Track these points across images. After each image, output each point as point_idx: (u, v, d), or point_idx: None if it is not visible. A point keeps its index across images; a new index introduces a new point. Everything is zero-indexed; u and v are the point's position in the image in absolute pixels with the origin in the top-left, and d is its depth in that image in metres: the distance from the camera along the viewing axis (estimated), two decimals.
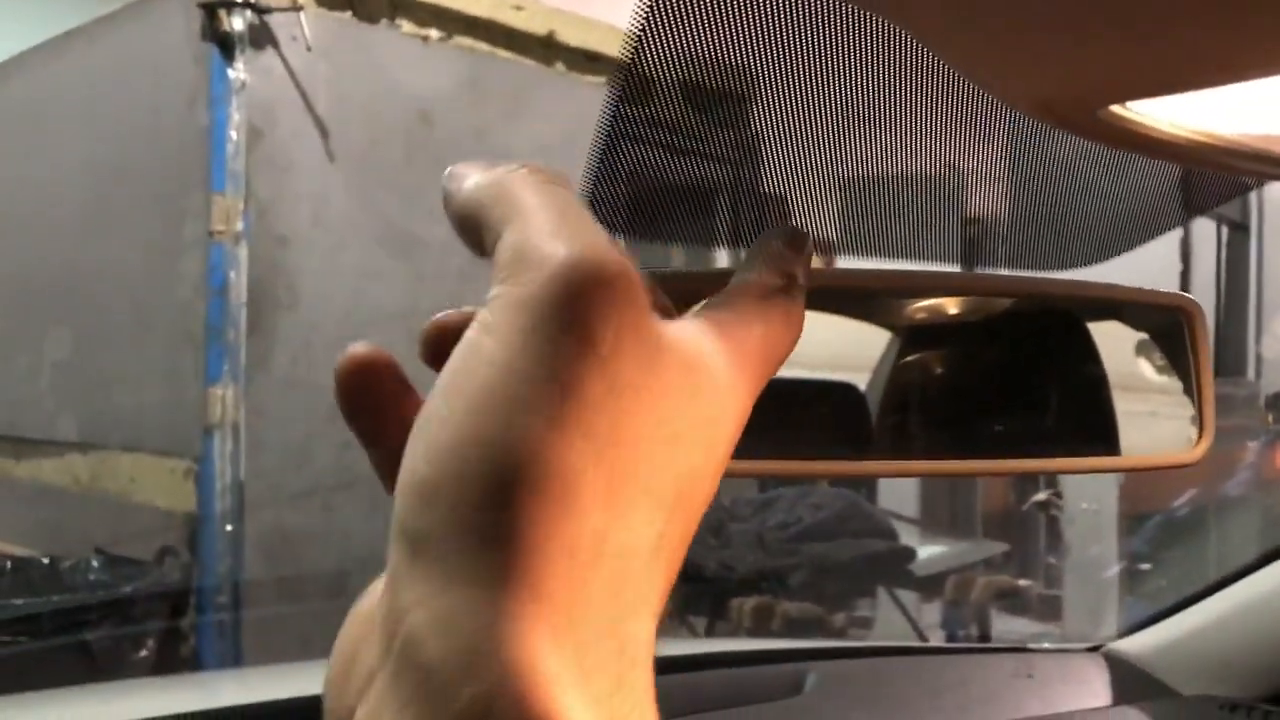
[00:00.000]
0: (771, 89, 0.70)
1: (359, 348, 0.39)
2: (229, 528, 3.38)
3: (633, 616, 0.30)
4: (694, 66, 0.65)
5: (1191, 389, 0.70)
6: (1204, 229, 4.47)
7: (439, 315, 0.40)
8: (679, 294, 0.72)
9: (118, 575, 3.27)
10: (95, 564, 3.29)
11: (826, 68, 0.63)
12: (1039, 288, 0.72)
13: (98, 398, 3.83)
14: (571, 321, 0.30)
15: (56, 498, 3.87)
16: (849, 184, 0.90)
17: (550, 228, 0.33)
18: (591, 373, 0.30)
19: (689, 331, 0.35)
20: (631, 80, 0.68)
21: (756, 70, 0.67)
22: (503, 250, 0.33)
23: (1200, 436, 0.69)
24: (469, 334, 0.32)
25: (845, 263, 0.91)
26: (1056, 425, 0.73)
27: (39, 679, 2.33)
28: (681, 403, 0.31)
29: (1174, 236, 4.07)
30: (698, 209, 0.90)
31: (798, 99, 0.70)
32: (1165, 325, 0.73)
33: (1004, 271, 0.92)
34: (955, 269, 0.88)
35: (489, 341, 0.31)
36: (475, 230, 0.36)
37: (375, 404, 0.40)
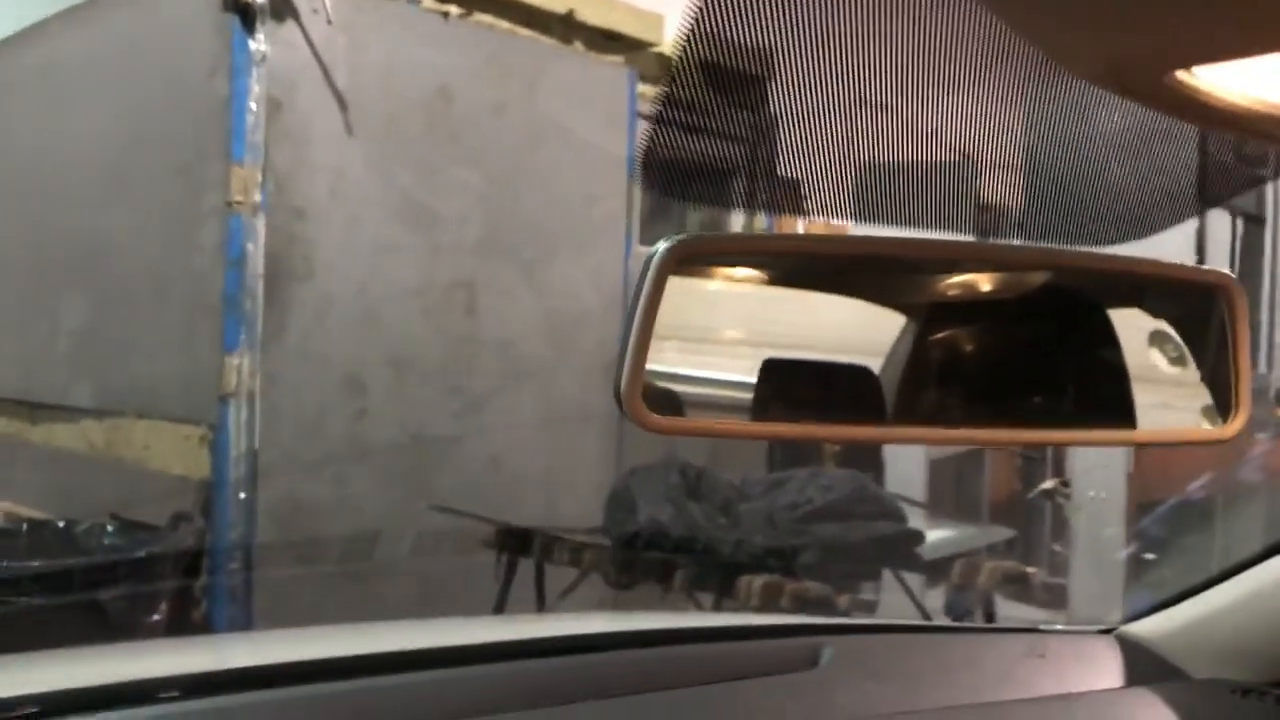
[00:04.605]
0: (802, 55, 0.70)
1: None
2: (242, 495, 3.40)
3: None
4: (740, 51, 0.66)
5: (1226, 366, 0.71)
6: (1219, 221, 4.47)
7: None
8: (710, 257, 0.73)
9: (132, 540, 3.30)
10: (110, 528, 3.31)
11: (868, 35, 0.63)
12: (1073, 260, 0.72)
13: (114, 365, 3.85)
14: None
15: (72, 463, 3.90)
16: (879, 152, 0.90)
17: None
18: None
19: None
20: (678, 68, 0.69)
21: (793, 36, 0.68)
22: None
23: (1235, 413, 0.70)
24: None
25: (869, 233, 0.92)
26: (1085, 399, 0.74)
27: (53, 639, 2.35)
28: None
29: (1189, 228, 4.06)
30: (728, 176, 0.92)
31: (831, 67, 0.71)
32: (1195, 303, 0.74)
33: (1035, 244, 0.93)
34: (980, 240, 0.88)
35: None
36: None
37: None
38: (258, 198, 3.45)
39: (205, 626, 3.26)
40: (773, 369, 0.72)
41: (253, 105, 3.42)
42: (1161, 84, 0.38)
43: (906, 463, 4.94)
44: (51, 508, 3.68)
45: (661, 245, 0.64)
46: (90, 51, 4.04)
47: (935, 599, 4.00)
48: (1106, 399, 0.72)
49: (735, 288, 0.76)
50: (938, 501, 4.92)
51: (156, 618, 3.15)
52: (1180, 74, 0.38)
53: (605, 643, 1.48)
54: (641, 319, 0.62)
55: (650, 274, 0.63)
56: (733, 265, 0.69)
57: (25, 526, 3.40)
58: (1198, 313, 0.73)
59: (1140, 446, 3.00)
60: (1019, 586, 3.88)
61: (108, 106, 3.94)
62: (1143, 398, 0.73)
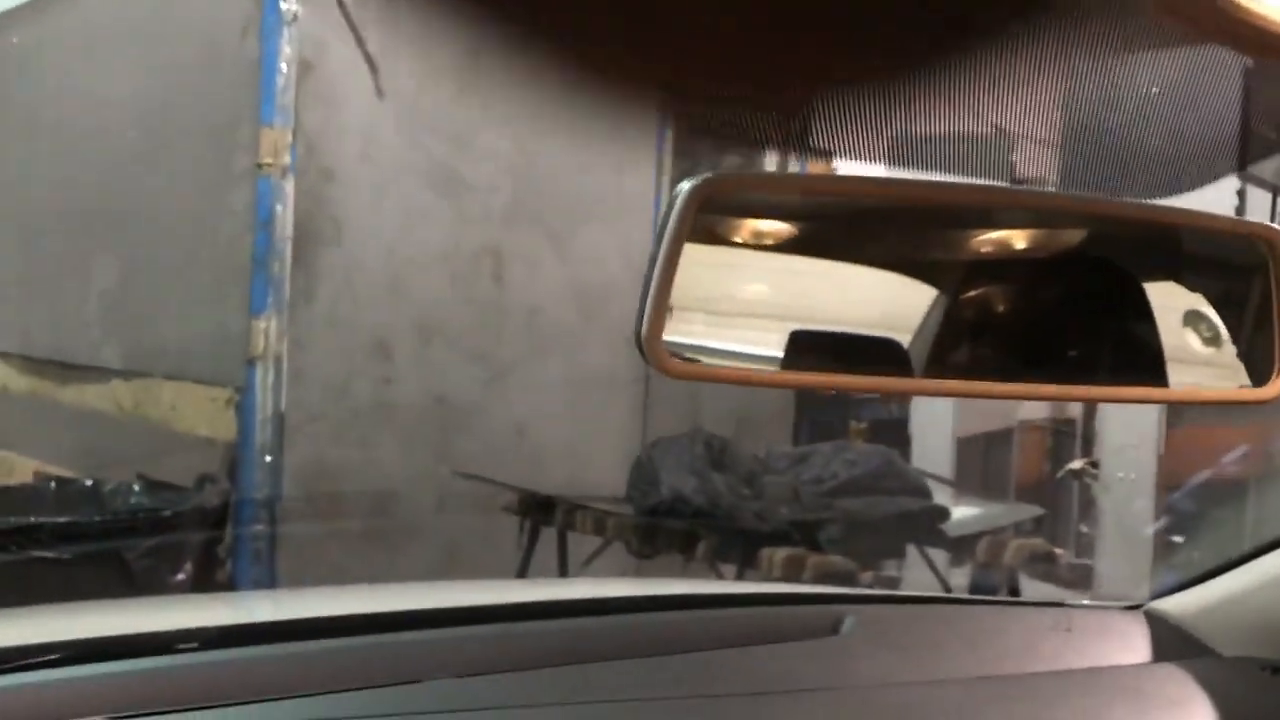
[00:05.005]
0: None
1: None
2: (268, 458, 3.41)
3: None
4: None
5: (1268, 324, 0.68)
6: (1258, 199, 4.40)
7: None
8: (735, 197, 0.71)
9: (158, 500, 3.32)
10: (136, 488, 3.34)
11: None
12: (1110, 209, 0.70)
13: (143, 326, 3.87)
14: None
15: (100, 423, 3.92)
16: (915, 124, 0.88)
17: None
18: None
19: None
20: None
21: None
22: None
23: (1276, 373, 0.67)
24: None
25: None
26: (1119, 355, 0.72)
27: (79, 596, 2.38)
28: None
29: (1228, 204, 4.00)
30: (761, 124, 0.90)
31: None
32: (1233, 270, 0.72)
33: (1081, 193, 0.91)
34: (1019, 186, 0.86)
35: None
36: None
37: None
38: (287, 160, 3.45)
39: (229, 586, 3.29)
40: (800, 337, 0.71)
41: (283, 66, 3.42)
42: (1215, 7, 0.36)
43: (933, 440, 4.91)
44: (80, 467, 3.71)
45: (686, 184, 0.62)
46: (121, 12, 4.04)
47: (960, 577, 3.98)
48: (1141, 356, 0.70)
49: (762, 258, 0.74)
50: (964, 479, 4.89)
51: (181, 577, 3.17)
52: None
53: (626, 605, 1.48)
54: (664, 262, 0.61)
55: (674, 214, 0.61)
56: (760, 208, 0.68)
57: (53, 485, 3.43)
58: (1237, 279, 0.71)
59: (1176, 404, 2.97)
60: (1045, 565, 3.86)
61: (138, 67, 3.94)
62: (1175, 378, 0.71)
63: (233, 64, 3.52)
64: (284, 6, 3.39)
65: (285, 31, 3.40)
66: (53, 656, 1.08)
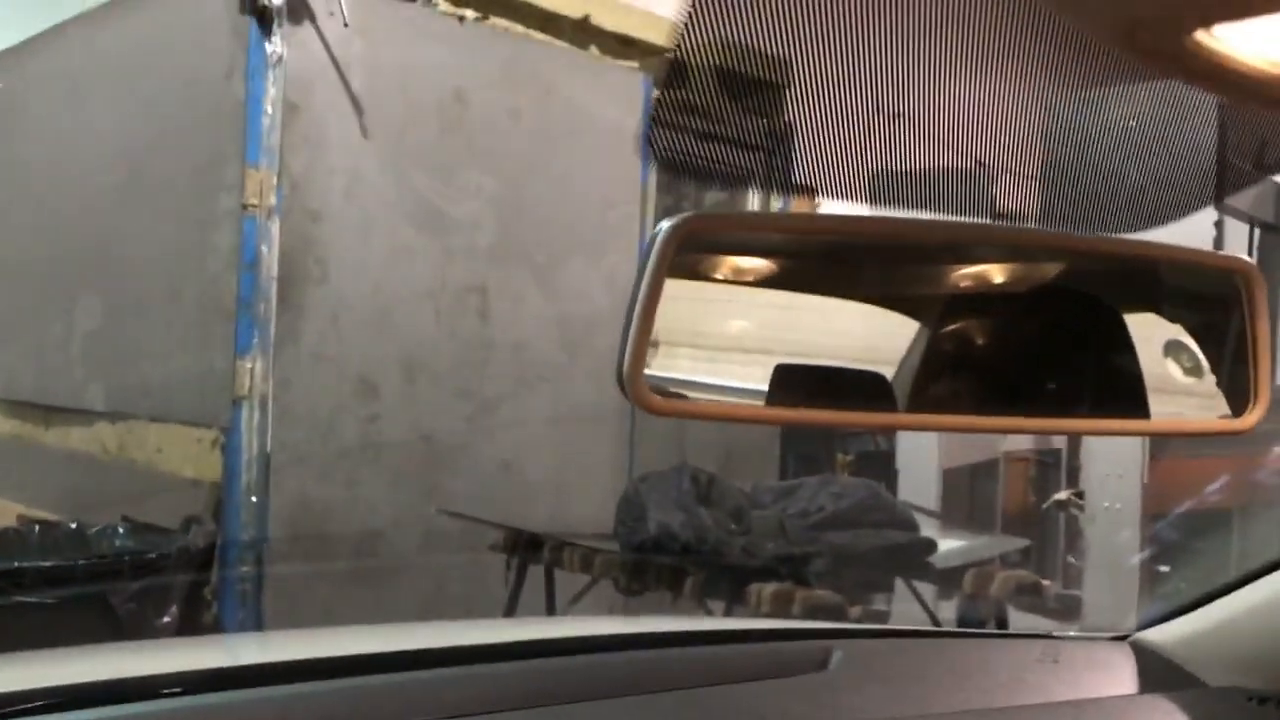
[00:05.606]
0: (806, 56, 0.69)
1: None
2: (254, 498, 3.40)
3: None
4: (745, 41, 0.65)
5: (1244, 357, 0.69)
6: (1236, 231, 4.44)
7: None
8: (714, 237, 0.72)
9: (143, 542, 3.30)
10: (122, 531, 3.32)
11: (874, 34, 0.62)
12: (1089, 245, 0.71)
13: (127, 367, 3.86)
14: None
15: (85, 465, 3.90)
16: (895, 160, 0.89)
17: None
18: None
19: None
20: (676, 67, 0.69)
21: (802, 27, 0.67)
22: None
23: (1253, 405, 0.68)
24: None
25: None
26: (1100, 388, 0.72)
27: (64, 641, 2.35)
28: None
29: (1206, 237, 4.04)
30: (742, 167, 0.91)
31: (837, 68, 0.70)
32: (1212, 302, 0.73)
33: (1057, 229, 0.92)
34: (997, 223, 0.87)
35: None
36: None
37: None
38: (273, 200, 3.46)
39: (216, 629, 3.26)
40: (785, 371, 0.71)
41: (269, 108, 3.43)
42: (1180, 46, 0.37)
43: (919, 472, 4.92)
44: (64, 510, 3.69)
45: (665, 224, 0.63)
46: (108, 54, 4.06)
47: (948, 609, 3.98)
48: (1121, 389, 0.70)
49: (744, 294, 0.75)
50: (951, 511, 4.90)
51: (167, 620, 3.15)
52: (1200, 35, 0.37)
53: (614, 644, 1.48)
54: (644, 301, 0.61)
55: (653, 254, 0.62)
56: (739, 247, 0.68)
57: (38, 528, 3.41)
58: (1214, 311, 0.72)
59: (1155, 436, 2.98)
60: (1032, 597, 3.86)
61: (124, 109, 3.96)
62: (1157, 407, 0.72)
63: (218, 106, 3.54)
64: (269, 49, 3.41)
65: (270, 73, 3.42)
66: (37, 704, 1.07)
